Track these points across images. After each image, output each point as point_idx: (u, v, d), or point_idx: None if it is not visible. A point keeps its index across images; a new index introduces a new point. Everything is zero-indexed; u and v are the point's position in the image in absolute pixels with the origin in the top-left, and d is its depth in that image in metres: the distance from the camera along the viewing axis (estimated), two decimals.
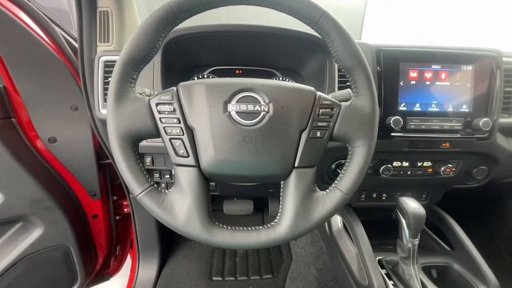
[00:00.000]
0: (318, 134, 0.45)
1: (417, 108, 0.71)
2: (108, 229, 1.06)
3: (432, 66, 0.70)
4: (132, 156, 0.42)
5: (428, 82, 0.71)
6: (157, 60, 0.66)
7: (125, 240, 1.19)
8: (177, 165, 0.44)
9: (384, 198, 0.85)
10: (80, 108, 0.85)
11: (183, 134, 0.43)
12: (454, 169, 0.77)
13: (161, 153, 0.74)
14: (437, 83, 0.71)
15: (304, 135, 0.44)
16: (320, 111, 0.45)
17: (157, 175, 0.81)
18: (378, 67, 0.68)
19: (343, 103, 0.46)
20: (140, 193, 0.42)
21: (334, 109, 0.46)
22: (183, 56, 0.74)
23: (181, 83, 0.44)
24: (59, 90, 0.83)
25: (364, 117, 0.46)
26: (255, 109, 0.42)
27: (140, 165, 0.43)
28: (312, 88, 0.46)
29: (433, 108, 0.71)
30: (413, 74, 0.70)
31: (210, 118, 0.42)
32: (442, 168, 0.75)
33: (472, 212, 0.89)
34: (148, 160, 0.75)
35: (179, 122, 0.43)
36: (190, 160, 0.43)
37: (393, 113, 0.69)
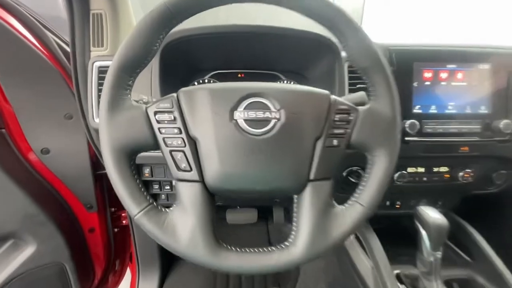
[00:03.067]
0: (335, 142, 0.40)
1: (432, 110, 0.66)
2: (106, 243, 1.01)
3: (447, 66, 0.66)
4: (127, 171, 0.38)
5: (443, 83, 0.67)
6: (155, 64, 0.61)
7: (124, 253, 1.13)
8: (178, 180, 0.39)
9: (398, 206, 0.80)
10: (74, 117, 0.81)
11: (185, 146, 0.38)
12: (472, 174, 0.72)
13: (160, 164, 0.69)
14: (453, 83, 0.67)
15: (319, 144, 0.40)
16: (336, 116, 0.40)
17: (156, 186, 0.76)
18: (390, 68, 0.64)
19: (360, 108, 0.42)
20: (138, 213, 0.37)
21: (352, 114, 0.41)
22: (183, 60, 0.70)
23: (182, 89, 0.40)
24: (52, 98, 0.79)
25: (384, 122, 0.41)
26: (264, 116, 0.38)
27: (137, 181, 0.38)
28: (326, 92, 0.42)
29: (450, 110, 0.67)
30: (427, 74, 0.66)
31: (214, 127, 0.38)
32: (460, 174, 0.71)
33: (491, 219, 0.85)
34: (146, 171, 0.70)
35: (180, 133, 0.38)
36: (193, 175, 0.38)
37: (407, 116, 0.64)
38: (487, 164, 0.73)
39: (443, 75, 0.66)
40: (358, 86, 0.65)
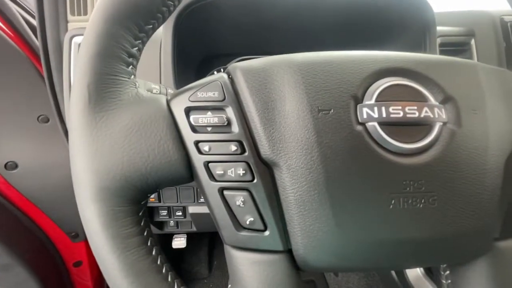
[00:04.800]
0: None
1: None
2: (97, 278, 0.80)
3: None
4: (134, 237, 0.18)
5: None
6: (166, 38, 0.41)
7: None
8: (236, 249, 0.19)
9: None
10: (51, 119, 0.60)
11: (253, 179, 0.18)
12: None
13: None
14: None
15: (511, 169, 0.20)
16: None
17: (164, 212, 0.56)
18: (505, 43, 0.45)
19: None
20: None
21: None
22: (201, 38, 0.50)
23: (237, 64, 0.20)
24: (19, 95, 0.59)
25: None
26: (422, 116, 0.18)
27: (153, 252, 0.19)
28: (502, 69, 0.22)
29: None
30: None
31: (317, 141, 0.18)
32: None
33: None
34: (152, 195, 0.50)
35: (243, 151, 0.18)
36: (270, 239, 0.19)
37: None
38: None
39: None
40: None
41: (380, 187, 0.17)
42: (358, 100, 0.18)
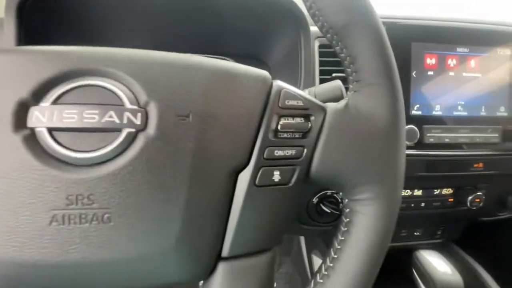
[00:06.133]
0: (277, 176, 0.19)
1: (437, 111, 0.47)
2: None
3: (458, 49, 0.48)
4: None
5: (451, 73, 0.48)
6: (8, 28, 0.37)
7: None
8: None
9: None
10: None
11: None
12: (483, 197, 0.54)
13: None
14: (464, 74, 0.48)
15: (244, 181, 0.19)
16: (282, 122, 0.20)
17: None
18: None
19: (328, 105, 0.21)
20: None
21: (312, 118, 0.20)
22: (69, 26, 0.45)
23: None
24: None
25: (376, 132, 0.21)
26: (102, 121, 0.16)
27: None
28: (262, 72, 0.21)
29: (460, 112, 0.48)
30: (430, 60, 0.47)
31: None
32: (470, 198, 0.52)
33: (502, 252, 0.68)
34: None
35: None
36: None
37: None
38: (503, 184, 0.55)
39: (452, 62, 0.48)
40: (334, 75, 0.45)
41: (40, 203, 0.15)
42: (32, 102, 0.16)
